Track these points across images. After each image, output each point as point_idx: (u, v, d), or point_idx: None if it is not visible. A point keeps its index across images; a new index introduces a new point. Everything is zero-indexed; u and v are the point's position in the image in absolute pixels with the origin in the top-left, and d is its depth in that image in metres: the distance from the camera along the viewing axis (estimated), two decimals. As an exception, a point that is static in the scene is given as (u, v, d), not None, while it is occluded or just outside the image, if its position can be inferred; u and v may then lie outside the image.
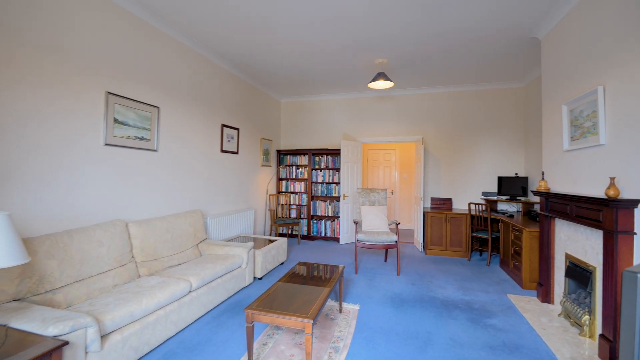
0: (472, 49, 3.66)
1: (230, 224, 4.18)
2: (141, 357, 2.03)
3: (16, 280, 1.79)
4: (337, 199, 5.73)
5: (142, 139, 2.91)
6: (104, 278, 2.26)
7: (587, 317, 2.31)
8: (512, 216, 4.17)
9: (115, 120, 2.63)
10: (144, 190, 2.96)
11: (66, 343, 1.43)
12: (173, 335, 2.31)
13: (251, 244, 3.38)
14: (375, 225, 4.22)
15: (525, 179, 4.54)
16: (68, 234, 2.11)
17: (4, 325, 1.53)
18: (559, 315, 2.67)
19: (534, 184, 4.48)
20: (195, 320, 2.55)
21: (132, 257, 2.56)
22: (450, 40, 3.43)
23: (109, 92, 2.56)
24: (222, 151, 4.22)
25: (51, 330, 1.49)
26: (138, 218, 2.90)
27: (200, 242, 3.36)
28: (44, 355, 1.34)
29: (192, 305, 2.47)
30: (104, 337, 1.79)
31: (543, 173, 3.06)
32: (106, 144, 2.55)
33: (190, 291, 2.48)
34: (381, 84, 4.04)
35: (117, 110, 2.64)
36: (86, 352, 1.66)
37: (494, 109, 5.02)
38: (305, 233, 5.76)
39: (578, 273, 2.50)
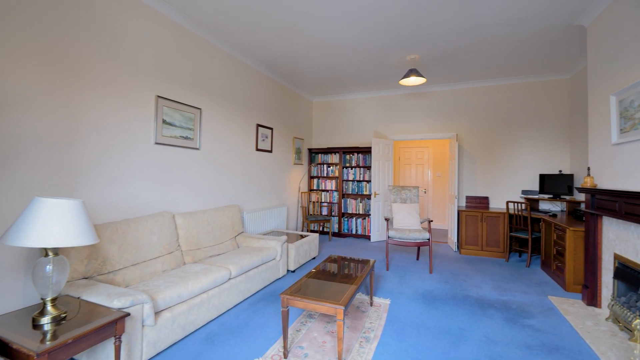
0: (512, 41, 3.52)
1: (264, 219, 4.37)
2: (187, 335, 2.24)
3: (85, 261, 2.06)
4: (368, 196, 5.74)
5: (186, 138, 3.16)
6: (155, 263, 2.50)
7: (638, 321, 2.16)
8: (555, 215, 3.94)
9: (164, 121, 2.89)
10: (188, 185, 3.22)
11: (128, 314, 1.63)
12: (214, 318, 2.50)
13: (285, 237, 3.53)
14: (407, 222, 4.20)
15: (571, 176, 4.27)
16: (125, 223, 2.37)
17: (78, 298, 1.78)
18: (607, 319, 2.51)
19: (580, 182, 4.20)
20: (234, 306, 2.74)
21: (178, 245, 2.80)
22: (487, 32, 3.33)
23: (158, 96, 2.82)
24: (257, 150, 4.43)
25: (115, 303, 1.71)
26: (183, 210, 3.15)
27: (238, 234, 3.57)
28: (111, 323, 1.55)
29: (231, 291, 2.65)
30: (156, 313, 2.00)
31: (589, 169, 2.89)
32: (156, 143, 2.82)
33: (229, 278, 2.67)
34: (413, 81, 4.01)
35: (165, 112, 2.90)
36: (142, 325, 1.86)
37: (536, 103, 4.77)
38: (336, 230, 5.84)
39: (629, 275, 2.34)
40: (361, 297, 2.96)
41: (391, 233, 3.90)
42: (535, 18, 3.02)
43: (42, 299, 1.55)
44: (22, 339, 1.36)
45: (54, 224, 1.49)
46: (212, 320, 2.48)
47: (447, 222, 5.41)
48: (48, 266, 1.53)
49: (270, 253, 3.29)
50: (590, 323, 2.48)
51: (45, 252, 1.56)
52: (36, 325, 1.48)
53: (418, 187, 4.60)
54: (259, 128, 4.46)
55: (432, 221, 4.31)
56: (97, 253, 2.12)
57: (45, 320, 1.49)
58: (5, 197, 1.84)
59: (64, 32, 2.12)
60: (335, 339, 2.19)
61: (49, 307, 1.54)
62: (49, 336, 1.39)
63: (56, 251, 1.59)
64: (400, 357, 2.00)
